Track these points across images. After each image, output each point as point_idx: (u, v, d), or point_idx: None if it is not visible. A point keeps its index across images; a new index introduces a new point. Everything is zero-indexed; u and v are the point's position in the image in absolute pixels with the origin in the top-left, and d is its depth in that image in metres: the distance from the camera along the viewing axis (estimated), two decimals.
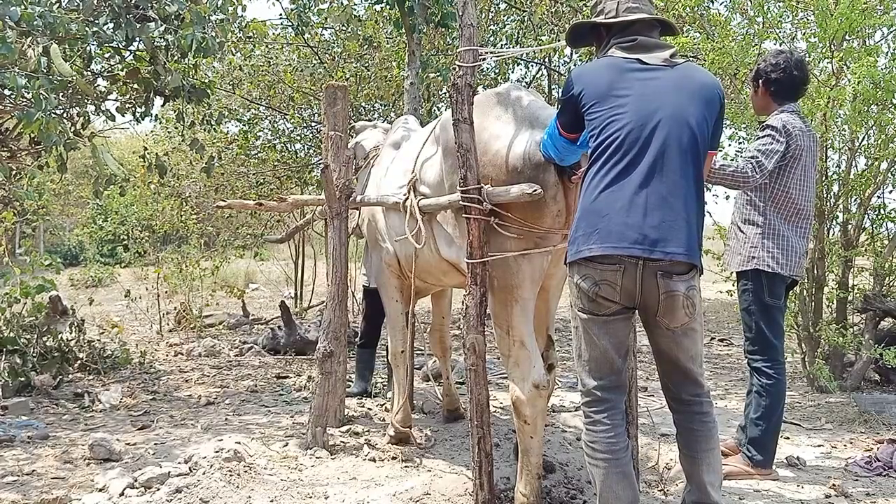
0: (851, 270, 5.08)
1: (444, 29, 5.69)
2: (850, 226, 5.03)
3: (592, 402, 2.32)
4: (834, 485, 3.11)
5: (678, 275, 2.19)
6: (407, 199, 3.18)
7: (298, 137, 8.87)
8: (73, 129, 5.00)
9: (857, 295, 5.01)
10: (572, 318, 2.36)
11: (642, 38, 2.33)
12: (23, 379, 4.94)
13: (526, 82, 8.50)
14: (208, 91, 5.20)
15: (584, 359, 2.33)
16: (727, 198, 7.32)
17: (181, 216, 9.60)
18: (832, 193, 4.88)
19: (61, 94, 4.59)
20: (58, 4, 4.60)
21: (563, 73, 8.05)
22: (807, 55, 4.61)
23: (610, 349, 2.28)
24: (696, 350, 2.30)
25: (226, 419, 4.41)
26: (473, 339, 2.72)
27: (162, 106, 6.45)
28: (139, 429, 4.20)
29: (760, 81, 3.32)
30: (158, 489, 3.03)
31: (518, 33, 7.48)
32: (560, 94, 2.48)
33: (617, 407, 2.33)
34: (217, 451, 3.32)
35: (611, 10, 2.39)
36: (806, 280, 4.85)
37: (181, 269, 8.81)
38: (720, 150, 4.55)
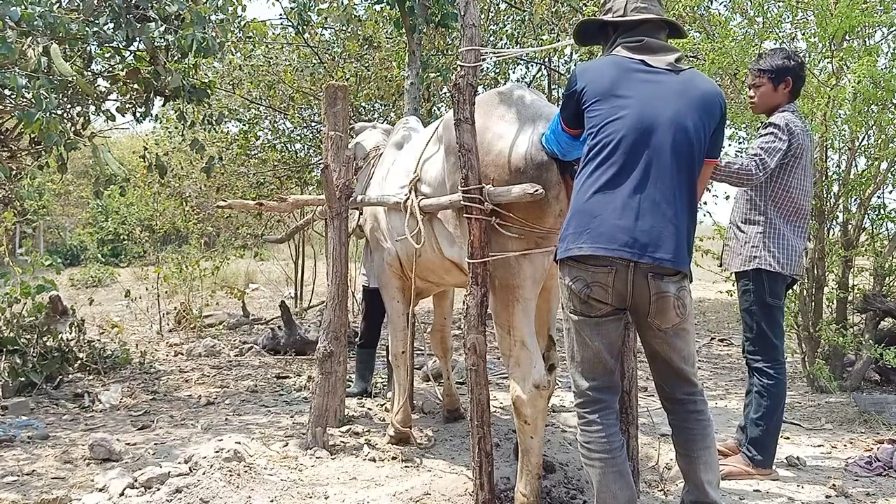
0: (851, 270, 5.07)
1: (444, 29, 5.69)
2: (850, 226, 5.03)
3: (586, 402, 2.33)
4: (834, 485, 3.12)
5: (669, 276, 2.20)
6: (408, 198, 3.18)
7: (298, 137, 8.87)
8: (73, 129, 5.00)
9: (857, 295, 5.01)
10: (564, 319, 2.37)
11: (649, 39, 2.33)
12: (23, 379, 4.94)
13: (526, 82, 8.50)
14: (208, 91, 5.20)
15: (577, 360, 2.34)
16: (727, 197, 7.34)
17: (182, 216, 9.61)
18: (832, 193, 4.87)
19: (61, 94, 4.59)
20: (58, 4, 4.60)
21: (563, 72, 8.05)
22: (807, 55, 4.61)
23: (603, 350, 2.29)
24: (689, 350, 2.31)
25: (226, 419, 4.41)
26: (474, 339, 2.72)
27: (162, 106, 6.45)
28: (139, 429, 4.20)
29: (791, 78, 3.27)
30: (158, 489, 3.02)
31: (518, 33, 7.48)
32: (564, 90, 2.49)
33: (611, 407, 2.34)
34: (217, 451, 3.32)
35: (619, 9, 2.39)
36: (806, 280, 4.85)
37: (181, 270, 8.82)
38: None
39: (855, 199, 4.98)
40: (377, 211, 3.71)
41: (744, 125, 5.16)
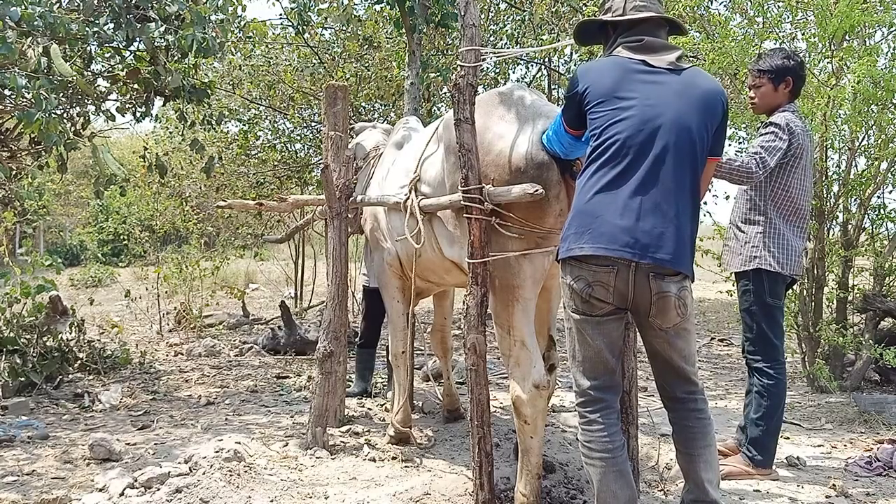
0: (851, 270, 5.07)
1: (444, 29, 5.68)
2: (850, 226, 5.03)
3: (587, 402, 2.33)
4: (834, 485, 3.12)
5: (670, 276, 2.20)
6: (408, 198, 3.18)
7: (298, 137, 8.87)
8: (73, 129, 5.00)
9: (857, 295, 5.01)
10: (565, 319, 2.38)
11: (649, 38, 2.32)
12: (23, 379, 4.94)
13: (526, 82, 8.49)
14: (208, 91, 5.20)
15: (578, 359, 2.34)
16: (727, 197, 7.33)
17: (182, 216, 9.61)
18: (832, 193, 4.87)
19: (61, 94, 4.59)
20: (58, 4, 4.61)
21: (563, 72, 8.05)
22: (807, 55, 4.61)
23: (604, 349, 2.30)
24: (689, 350, 2.32)
25: (226, 419, 4.41)
26: (474, 339, 2.72)
27: (162, 106, 6.45)
28: (139, 429, 4.20)
29: (791, 78, 3.27)
30: (158, 489, 3.02)
31: (518, 33, 7.48)
32: (565, 91, 2.49)
33: (612, 406, 2.34)
34: (217, 451, 3.32)
35: (618, 8, 2.39)
36: (806, 280, 4.85)
37: (181, 270, 8.82)
38: None
39: (855, 199, 4.98)
40: (377, 211, 3.71)
41: (744, 125, 5.16)
